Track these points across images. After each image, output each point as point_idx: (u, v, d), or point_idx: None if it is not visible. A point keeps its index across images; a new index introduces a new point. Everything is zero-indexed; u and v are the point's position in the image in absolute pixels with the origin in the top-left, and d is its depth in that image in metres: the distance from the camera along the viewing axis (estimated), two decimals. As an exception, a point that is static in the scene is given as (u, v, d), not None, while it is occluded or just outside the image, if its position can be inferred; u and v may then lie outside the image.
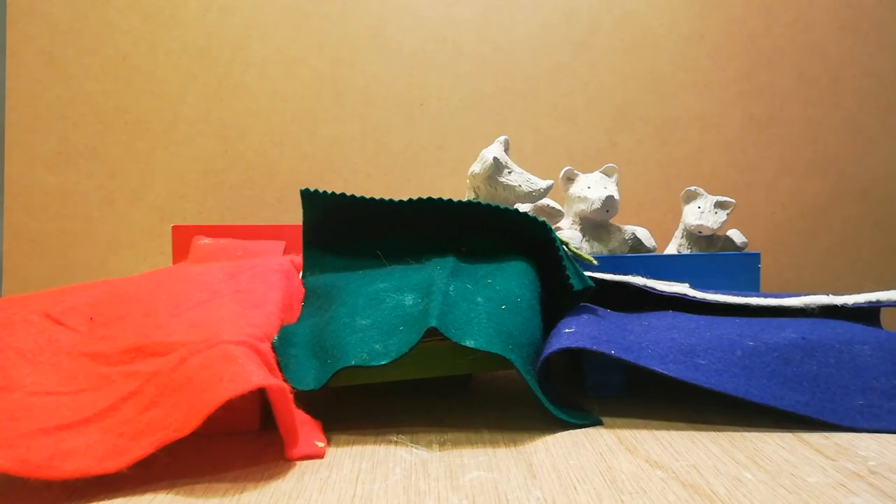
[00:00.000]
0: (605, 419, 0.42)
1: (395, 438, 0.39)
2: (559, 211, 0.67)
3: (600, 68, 0.93)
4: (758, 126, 0.95)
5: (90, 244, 0.89)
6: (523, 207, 0.66)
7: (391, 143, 0.91)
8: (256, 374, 0.33)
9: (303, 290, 0.52)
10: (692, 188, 0.72)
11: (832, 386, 0.40)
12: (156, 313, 0.44)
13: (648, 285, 0.53)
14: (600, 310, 0.51)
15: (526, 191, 0.59)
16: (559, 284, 0.49)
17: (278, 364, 0.40)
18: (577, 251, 0.53)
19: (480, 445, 0.37)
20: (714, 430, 0.39)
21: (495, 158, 0.59)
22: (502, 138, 0.63)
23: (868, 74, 0.95)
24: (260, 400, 0.40)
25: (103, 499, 0.31)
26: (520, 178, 0.60)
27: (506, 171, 0.60)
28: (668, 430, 0.40)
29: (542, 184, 0.60)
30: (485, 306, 0.42)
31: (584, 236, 0.67)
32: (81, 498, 0.31)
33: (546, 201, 0.67)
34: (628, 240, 0.68)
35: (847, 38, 0.94)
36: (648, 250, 0.68)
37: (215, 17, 0.90)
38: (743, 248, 0.71)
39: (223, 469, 0.34)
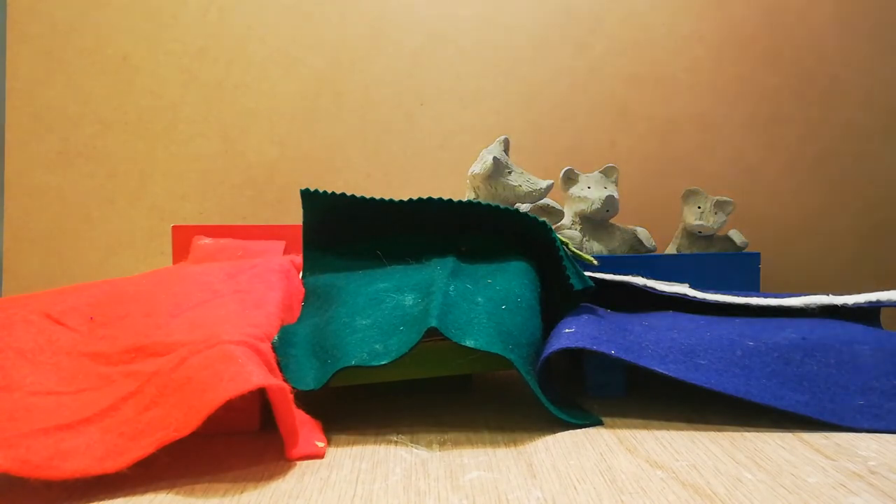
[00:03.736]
0: (605, 419, 0.42)
1: (395, 438, 0.39)
2: (559, 211, 0.67)
3: (600, 68, 0.93)
4: (758, 126, 0.95)
5: (90, 244, 0.88)
6: (523, 207, 0.66)
7: (391, 143, 0.91)
8: (256, 373, 0.33)
9: (303, 290, 0.52)
10: (692, 188, 0.72)
11: (832, 386, 0.40)
12: (156, 313, 0.44)
13: (648, 285, 0.53)
14: (600, 310, 0.51)
15: (526, 191, 0.59)
16: (559, 284, 0.49)
17: (278, 364, 0.40)
18: (577, 251, 0.53)
19: (480, 445, 0.37)
20: (714, 430, 0.39)
21: (495, 158, 0.59)
22: (502, 138, 0.63)
23: (868, 74, 0.95)
24: (260, 400, 0.40)
25: (103, 499, 0.31)
26: (520, 178, 0.60)
27: (506, 171, 0.60)
28: (668, 430, 0.40)
29: (542, 184, 0.60)
30: (485, 306, 0.42)
31: (584, 236, 0.67)
32: (81, 498, 0.31)
33: (546, 201, 0.67)
34: (628, 240, 0.68)
35: (847, 38, 0.94)
36: (648, 250, 0.68)
37: (215, 17, 0.90)
38: (743, 248, 0.71)
39: (223, 469, 0.34)
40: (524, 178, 0.60)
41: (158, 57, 0.89)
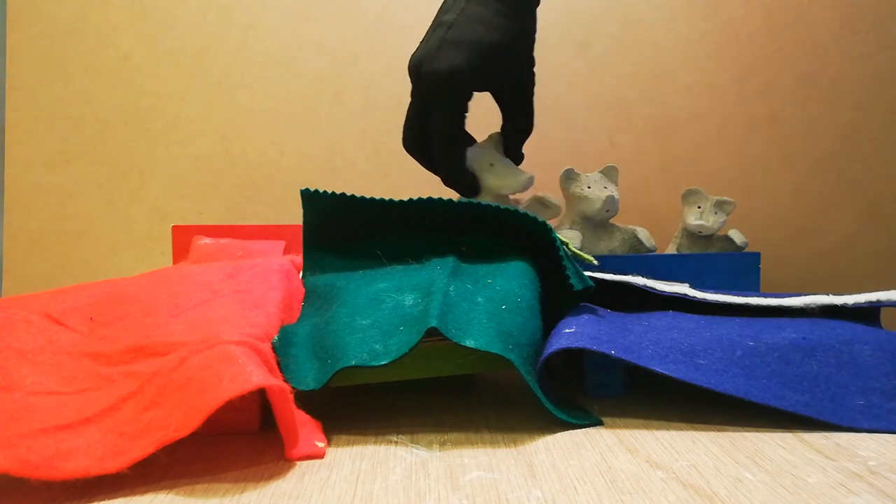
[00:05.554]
0: (605, 419, 0.42)
1: (395, 438, 0.39)
2: (556, 205, 0.67)
3: (600, 68, 0.93)
4: (758, 126, 0.95)
5: (90, 244, 0.88)
6: (522, 201, 0.66)
7: (391, 143, 0.91)
8: (257, 374, 0.33)
9: (303, 290, 0.52)
10: (692, 188, 0.72)
11: (832, 386, 0.41)
12: (156, 313, 0.44)
13: (648, 285, 0.53)
14: (600, 310, 0.51)
15: (507, 183, 0.60)
16: (559, 284, 0.49)
17: (278, 364, 0.40)
18: (577, 251, 0.53)
19: (480, 445, 0.37)
20: (714, 430, 0.39)
21: (477, 151, 0.61)
22: (493, 134, 0.64)
23: (868, 74, 0.95)
24: (260, 400, 0.40)
25: (103, 499, 0.31)
26: (502, 170, 0.61)
27: (488, 164, 0.61)
28: (668, 430, 0.40)
29: (523, 176, 0.60)
30: (485, 306, 0.42)
31: (583, 236, 0.67)
32: (81, 498, 0.31)
33: (543, 195, 0.67)
34: (628, 240, 0.68)
35: (847, 38, 0.94)
36: (648, 250, 0.68)
37: (215, 17, 0.90)
38: (743, 248, 0.71)
39: (223, 469, 0.34)
40: (507, 172, 0.61)
41: (158, 57, 0.89)
